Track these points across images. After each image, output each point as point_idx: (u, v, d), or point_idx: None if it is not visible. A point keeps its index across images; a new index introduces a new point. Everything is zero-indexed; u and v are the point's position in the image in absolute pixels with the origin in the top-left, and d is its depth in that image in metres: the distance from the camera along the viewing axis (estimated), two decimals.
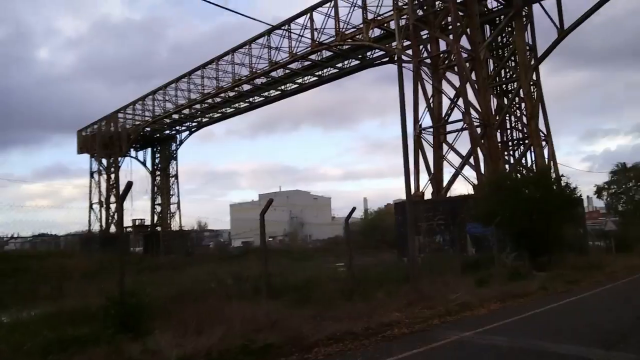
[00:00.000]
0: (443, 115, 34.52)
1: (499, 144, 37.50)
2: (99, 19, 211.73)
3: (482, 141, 32.11)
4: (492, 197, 22.05)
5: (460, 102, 32.23)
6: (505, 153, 38.07)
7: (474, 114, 32.25)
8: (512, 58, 37.04)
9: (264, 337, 7.09)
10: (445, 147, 33.94)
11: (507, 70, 38.13)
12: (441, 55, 34.45)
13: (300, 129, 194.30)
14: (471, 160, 31.77)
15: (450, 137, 33.70)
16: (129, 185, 8.81)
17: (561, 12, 34.72)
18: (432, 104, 33.97)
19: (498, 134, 38.03)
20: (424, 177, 33.87)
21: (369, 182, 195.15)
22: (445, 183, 33.68)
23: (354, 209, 15.20)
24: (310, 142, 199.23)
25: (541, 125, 36.91)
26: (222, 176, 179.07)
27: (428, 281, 14.19)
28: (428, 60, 34.71)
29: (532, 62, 36.82)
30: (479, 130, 32.23)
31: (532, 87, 37.77)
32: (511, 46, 36.70)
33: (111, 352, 6.09)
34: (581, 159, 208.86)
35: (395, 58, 37.40)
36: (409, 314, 10.44)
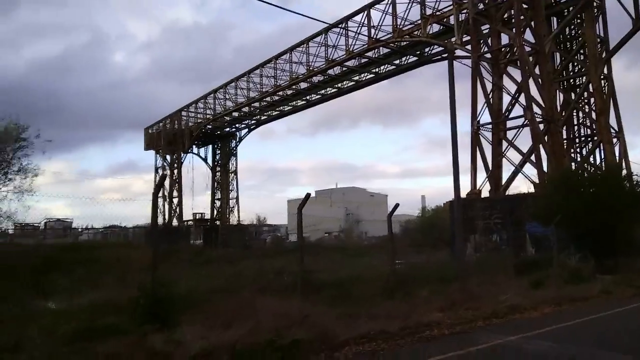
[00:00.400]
0: (503, 112, 33.18)
1: (564, 141, 35.64)
2: (169, 24, 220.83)
3: (545, 138, 30.61)
4: (554, 195, 20.92)
5: (522, 98, 30.84)
6: (572, 151, 36.14)
7: (536, 109, 30.79)
8: (581, 51, 35.04)
9: (292, 333, 7.05)
10: (504, 145, 32.65)
11: (575, 63, 36.15)
12: (502, 49, 33.07)
13: (359, 127, 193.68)
14: (533, 157, 30.32)
15: (510, 135, 32.37)
16: (163, 177, 10.21)
17: (637, 1, 32.46)
18: (491, 100, 32.71)
19: (564, 131, 36.18)
20: (482, 175, 32.73)
21: (429, 180, 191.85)
22: (504, 181, 32.40)
23: (397, 206, 14.98)
24: (369, 139, 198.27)
25: (612, 122, 34.70)
26: (282, 173, 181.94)
27: (477, 281, 13.66)
28: (488, 55, 33.43)
29: (604, 55, 34.67)
30: (541, 126, 30.74)
31: (602, 81, 35.60)
32: (580, 39, 34.75)
33: (135, 342, 6.26)
34: None
35: (452, 54, 36.44)
36: (451, 315, 10.10)
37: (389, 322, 8.79)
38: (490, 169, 32.59)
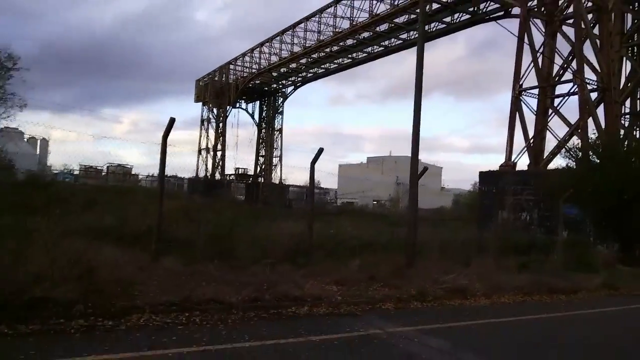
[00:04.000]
0: (553, 76, 29.43)
1: (625, 116, 31.34)
2: None
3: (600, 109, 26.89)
4: (579, 169, 17.97)
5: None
6: (635, 128, 31.73)
7: (591, 76, 26.97)
8: None
9: None
10: (551, 115, 29.10)
11: None
12: (559, 3, 29.08)
13: (431, 97, 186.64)
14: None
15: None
16: (172, 121, 8.82)
17: None
18: (540, 62, 29.01)
19: (627, 103, 31.79)
20: (521, 147, 29.50)
21: (498, 157, 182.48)
22: (545, 155, 29.03)
23: (425, 169, 12.59)
24: (440, 111, 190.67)
25: None
26: (347, 138, 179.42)
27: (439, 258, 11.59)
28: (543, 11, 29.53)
29: None
30: (594, 95, 26.96)
31: None
32: None
33: None
34: None
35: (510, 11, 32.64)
36: (348, 292, 8.14)
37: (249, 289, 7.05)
38: (532, 140, 29.26)
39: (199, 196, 50.83)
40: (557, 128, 28.98)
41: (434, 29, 42.84)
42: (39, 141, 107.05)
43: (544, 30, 28.95)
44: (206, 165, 63.41)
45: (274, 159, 64.49)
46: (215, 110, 64.00)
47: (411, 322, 7.20)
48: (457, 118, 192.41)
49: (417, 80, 12.32)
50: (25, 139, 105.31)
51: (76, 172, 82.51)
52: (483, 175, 29.37)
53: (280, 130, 64.30)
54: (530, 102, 29.13)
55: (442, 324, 7.33)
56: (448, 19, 40.64)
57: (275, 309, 6.86)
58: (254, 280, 7.43)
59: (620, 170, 16.10)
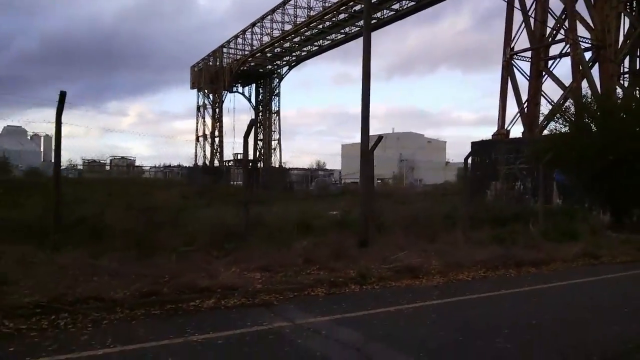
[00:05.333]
0: (546, 36, 27.98)
1: (624, 75, 29.87)
2: None
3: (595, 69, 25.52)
4: (562, 134, 16.85)
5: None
6: (637, 88, 30.19)
7: (586, 34, 25.53)
8: None
9: None
10: (545, 79, 27.75)
11: None
12: None
13: (437, 72, 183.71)
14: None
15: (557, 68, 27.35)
16: (63, 94, 7.86)
17: None
18: (532, 23, 27.54)
19: (626, 62, 30.27)
20: (514, 113, 28.24)
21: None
22: (540, 121, 27.74)
23: (380, 139, 11.52)
24: (446, 85, 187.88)
25: None
26: (353, 118, 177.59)
27: (401, 235, 10.71)
28: None
29: None
30: (588, 55, 25.56)
31: None
32: None
33: None
34: None
35: None
36: (278, 278, 7.22)
37: (149, 280, 6.19)
38: (525, 105, 27.99)
39: (197, 184, 50.60)
40: (552, 92, 27.64)
41: (404, 7, 41.70)
42: (42, 138, 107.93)
43: None
44: (204, 152, 62.73)
45: (272, 142, 63.58)
46: (211, 96, 63.08)
47: (334, 311, 6.33)
48: (464, 91, 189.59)
49: (364, 67, 11.31)
50: (29, 137, 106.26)
51: (80, 167, 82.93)
52: (475, 145, 28.21)
53: (278, 113, 63.26)
54: (524, 67, 27.78)
55: (371, 310, 6.44)
56: None
57: (173, 304, 6.01)
58: (155, 271, 6.60)
59: (605, 129, 14.91)
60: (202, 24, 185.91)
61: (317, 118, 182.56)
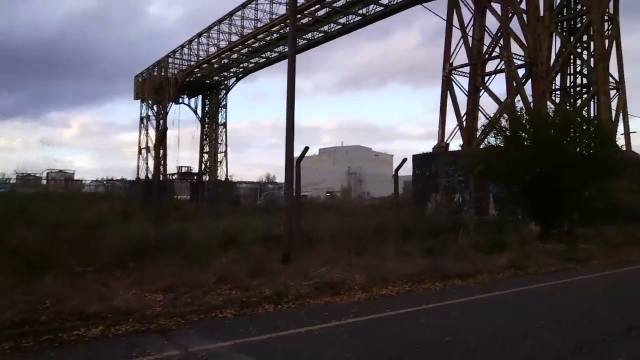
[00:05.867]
0: (483, 53, 28.80)
1: (556, 92, 31.16)
2: None
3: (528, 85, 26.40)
4: (492, 147, 17.18)
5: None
6: (568, 105, 31.48)
7: (518, 50, 26.39)
8: None
9: None
10: (482, 93, 28.47)
11: (577, 1, 31.08)
12: None
13: (387, 87, 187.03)
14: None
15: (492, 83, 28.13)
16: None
17: None
18: (470, 39, 28.29)
19: (558, 80, 31.61)
20: (453, 127, 28.78)
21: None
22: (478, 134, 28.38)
23: (306, 150, 11.22)
24: (396, 100, 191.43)
25: (613, 70, 29.92)
26: (305, 131, 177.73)
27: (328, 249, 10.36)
28: None
29: None
30: (522, 72, 26.43)
31: (607, 23, 30.64)
32: None
33: None
34: None
35: None
36: (182, 300, 6.62)
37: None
38: (464, 119, 28.60)
39: (137, 198, 48.69)
40: (488, 107, 28.37)
41: (372, 12, 41.96)
42: None
43: (472, 7, 28.23)
44: (147, 165, 60.74)
45: (219, 154, 62.38)
46: (155, 107, 61.33)
47: (238, 334, 5.83)
48: (413, 105, 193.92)
49: (288, 79, 11.04)
50: None
51: (13, 181, 78.33)
52: (417, 158, 28.53)
53: (225, 125, 62.24)
54: (462, 82, 28.42)
55: (280, 332, 6.00)
56: (386, 1, 39.72)
57: (52, 334, 5.36)
58: (37, 296, 5.91)
59: (536, 142, 15.28)
60: (152, 34, 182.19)
61: (269, 131, 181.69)
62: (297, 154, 11.16)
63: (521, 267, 11.76)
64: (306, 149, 10.98)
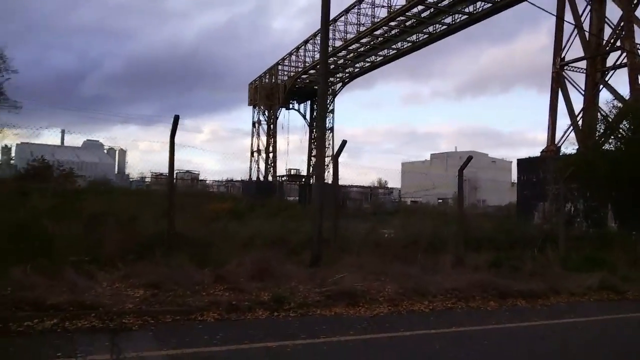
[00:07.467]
0: (603, 44, 25.25)
1: None
2: None
3: None
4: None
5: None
6: None
7: None
8: None
9: None
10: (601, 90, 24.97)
11: None
12: None
13: (511, 91, 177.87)
14: None
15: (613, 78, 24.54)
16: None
17: None
18: (586, 30, 24.96)
19: None
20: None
21: None
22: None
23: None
24: (521, 103, 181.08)
25: None
26: (422, 137, 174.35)
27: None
28: None
29: None
30: None
31: None
32: None
33: None
34: None
35: None
36: (162, 297, 6.09)
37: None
38: (580, 118, 25.27)
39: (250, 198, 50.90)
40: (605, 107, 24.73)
41: (479, 9, 39.36)
42: (117, 152, 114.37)
43: None
44: (258, 167, 63.42)
45: (326, 158, 62.88)
46: (266, 113, 63.84)
47: (194, 343, 5.19)
48: (540, 111, 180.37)
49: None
50: (105, 150, 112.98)
51: (148, 180, 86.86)
52: (522, 162, 25.79)
53: (332, 129, 62.74)
54: (576, 79, 25.19)
55: (240, 345, 5.22)
56: None
57: (2, 322, 5.17)
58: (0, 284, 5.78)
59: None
60: (275, 47, 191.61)
61: (383, 136, 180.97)
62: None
63: (617, 290, 9.68)
64: (344, 142, 10.13)
